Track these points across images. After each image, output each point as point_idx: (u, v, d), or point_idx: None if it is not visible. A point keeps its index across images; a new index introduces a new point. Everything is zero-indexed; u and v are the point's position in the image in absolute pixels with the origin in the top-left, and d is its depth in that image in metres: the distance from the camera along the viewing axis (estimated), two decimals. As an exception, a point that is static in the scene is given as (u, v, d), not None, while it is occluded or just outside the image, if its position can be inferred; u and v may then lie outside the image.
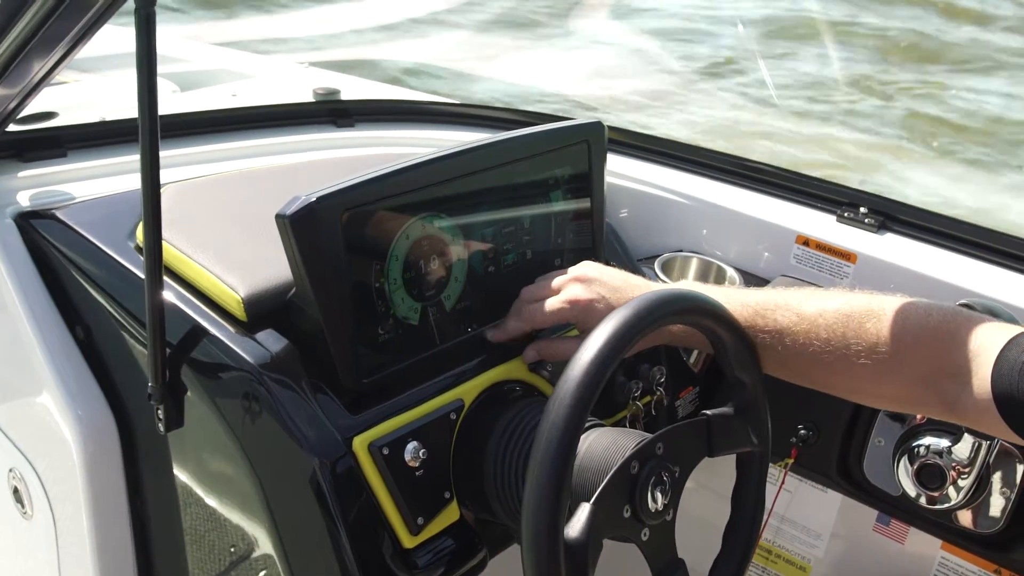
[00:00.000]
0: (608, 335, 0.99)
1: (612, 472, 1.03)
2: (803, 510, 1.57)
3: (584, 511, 1.00)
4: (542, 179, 1.32)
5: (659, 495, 1.06)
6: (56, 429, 1.29)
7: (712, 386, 1.52)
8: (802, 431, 1.47)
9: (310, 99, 1.83)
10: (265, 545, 1.16)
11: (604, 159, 1.39)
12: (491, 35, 7.08)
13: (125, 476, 1.32)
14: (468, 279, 1.25)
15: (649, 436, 1.08)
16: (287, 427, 1.08)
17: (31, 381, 1.31)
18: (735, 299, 1.17)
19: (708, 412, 1.15)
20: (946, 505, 1.37)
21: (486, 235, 1.26)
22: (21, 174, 1.42)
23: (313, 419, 1.09)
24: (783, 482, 1.53)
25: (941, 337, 1.06)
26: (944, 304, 1.11)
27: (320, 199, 1.07)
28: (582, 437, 1.13)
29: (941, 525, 1.41)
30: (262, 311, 1.15)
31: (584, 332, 1.07)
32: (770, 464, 1.53)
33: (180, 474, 1.27)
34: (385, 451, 1.10)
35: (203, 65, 2.29)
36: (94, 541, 1.31)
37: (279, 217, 1.07)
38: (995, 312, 1.22)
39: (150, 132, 1.03)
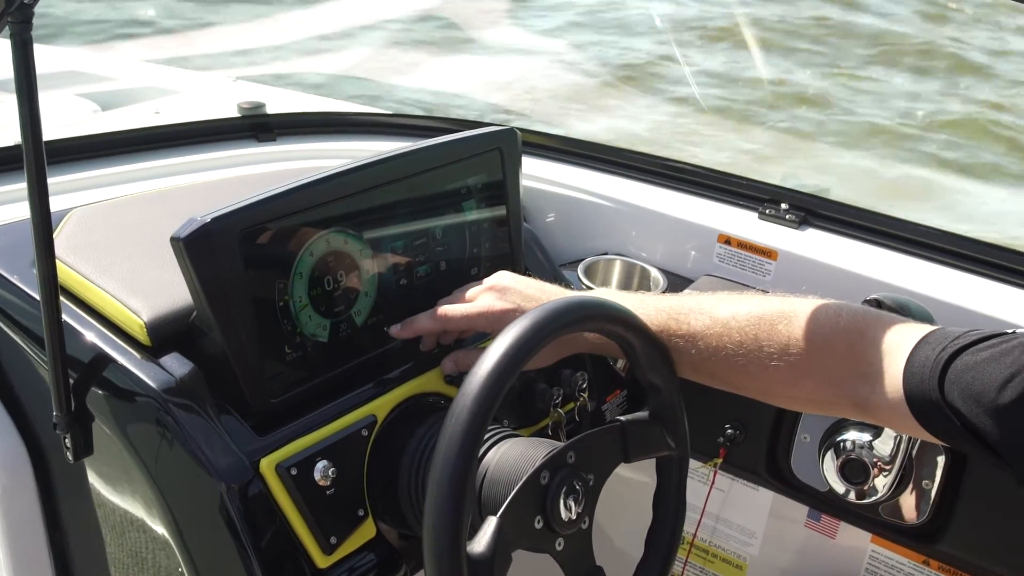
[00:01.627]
0: (506, 347, 0.98)
1: (520, 483, 1.02)
2: (737, 509, 1.57)
3: (490, 525, 0.99)
4: (454, 189, 1.31)
5: (572, 504, 1.06)
6: (-31, 461, 1.27)
7: (641, 389, 1.51)
8: (729, 430, 1.47)
9: (235, 114, 1.81)
10: (182, 572, 1.14)
11: (519, 166, 1.38)
12: (413, 47, 7.08)
13: (42, 506, 1.29)
14: (379, 293, 1.24)
15: (560, 445, 1.08)
16: (193, 453, 1.07)
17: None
18: (649, 304, 1.17)
19: (622, 418, 1.15)
20: (872, 499, 1.38)
21: (396, 248, 1.25)
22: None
23: (219, 443, 1.08)
24: (713, 482, 1.53)
25: (851, 338, 1.06)
26: (855, 305, 1.12)
27: (215, 220, 1.05)
28: (494, 449, 1.13)
29: (869, 519, 1.42)
30: (167, 335, 1.13)
31: None
32: (700, 464, 1.54)
33: (98, 503, 1.25)
34: (293, 471, 1.09)
35: (127, 83, 2.27)
36: (12, 569, 1.29)
37: (174, 240, 1.05)
38: (906, 307, 1.23)
39: (35, 161, 1.01)
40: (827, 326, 1.08)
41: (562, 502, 1.05)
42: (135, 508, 1.19)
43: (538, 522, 1.04)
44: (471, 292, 1.23)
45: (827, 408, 1.21)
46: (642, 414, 1.17)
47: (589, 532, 1.11)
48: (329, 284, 1.17)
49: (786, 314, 1.10)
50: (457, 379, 1.26)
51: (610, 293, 1.25)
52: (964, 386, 0.95)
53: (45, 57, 2.07)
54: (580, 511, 1.07)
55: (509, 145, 1.36)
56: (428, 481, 0.95)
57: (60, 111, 1.94)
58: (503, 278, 1.24)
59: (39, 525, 1.30)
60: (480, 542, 0.98)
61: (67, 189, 1.47)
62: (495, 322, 1.19)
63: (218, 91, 2.17)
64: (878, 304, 1.20)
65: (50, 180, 1.47)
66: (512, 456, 1.09)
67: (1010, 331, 0.98)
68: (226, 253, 1.06)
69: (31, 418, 1.27)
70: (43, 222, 1.04)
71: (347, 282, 1.19)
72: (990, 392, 0.94)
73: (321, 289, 1.17)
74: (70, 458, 1.15)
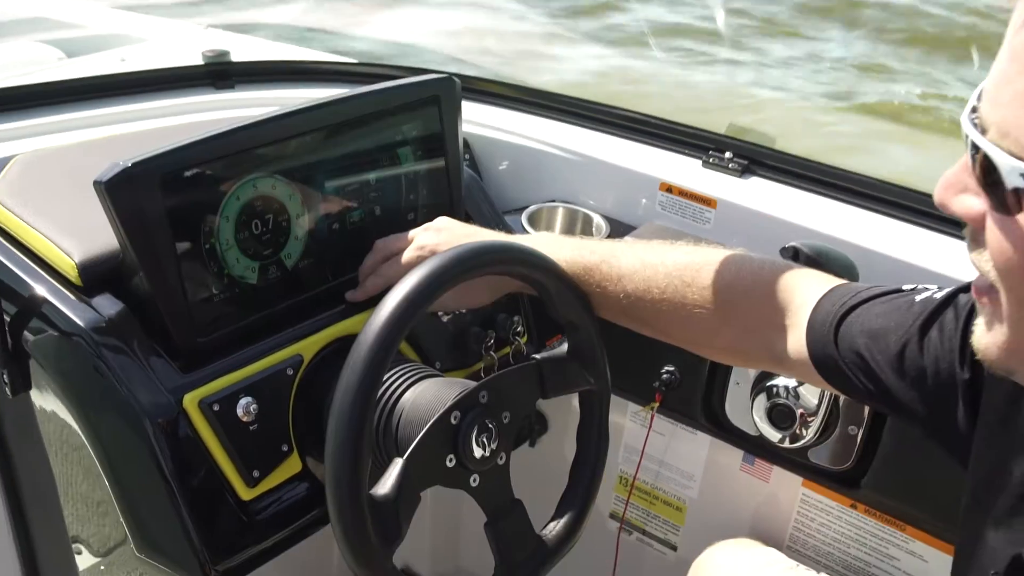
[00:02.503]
0: (404, 292, 1.01)
1: (430, 424, 1.06)
2: (677, 453, 1.60)
3: (396, 467, 1.03)
4: (389, 136, 1.33)
5: (485, 441, 1.09)
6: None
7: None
8: (664, 375, 1.50)
9: (200, 62, 1.83)
10: (114, 503, 1.19)
11: (457, 114, 1.40)
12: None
13: (-10, 442, 1.35)
14: (311, 237, 1.26)
15: (472, 385, 1.11)
16: (120, 391, 1.11)
17: None
18: (584, 248, 1.19)
19: (537, 356, 1.18)
20: (801, 443, 1.41)
21: (328, 194, 1.28)
22: None
23: (145, 381, 1.12)
24: (651, 426, 1.56)
25: (770, 290, 1.09)
26: (781, 260, 1.14)
27: (136, 164, 1.08)
28: (411, 389, 1.16)
29: (800, 463, 1.45)
30: (98, 275, 1.17)
31: None
32: (639, 408, 1.57)
33: (46, 434, 1.30)
34: (216, 407, 1.13)
35: (95, 30, 2.29)
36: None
37: (96, 183, 1.08)
38: (826, 254, 1.24)
39: None
40: (749, 277, 1.10)
41: (474, 440, 1.08)
42: (72, 442, 1.24)
43: (450, 460, 1.08)
44: (411, 234, 1.27)
45: (747, 360, 1.24)
46: (560, 351, 1.20)
47: (506, 468, 1.15)
48: (257, 227, 1.20)
49: (711, 263, 1.12)
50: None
51: (551, 237, 1.27)
52: (852, 340, 0.97)
53: (11, 1, 2.10)
54: (495, 448, 1.11)
55: (448, 93, 1.38)
56: (327, 427, 0.99)
57: (24, 57, 1.97)
58: (441, 220, 1.28)
59: None
60: (385, 484, 1.02)
61: (20, 135, 1.51)
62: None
63: (187, 39, 2.19)
64: (795, 252, 1.22)
65: (4, 126, 1.54)
66: (426, 397, 1.13)
67: (909, 287, 1.00)
68: (148, 196, 1.09)
69: None
70: None
71: (276, 226, 1.22)
72: (875, 347, 0.96)
73: (248, 232, 1.20)
74: (8, 393, 1.19)
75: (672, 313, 1.14)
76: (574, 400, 1.25)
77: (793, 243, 1.24)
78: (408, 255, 1.25)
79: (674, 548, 1.67)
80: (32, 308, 1.17)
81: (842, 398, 1.37)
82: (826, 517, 1.48)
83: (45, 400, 1.22)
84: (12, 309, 1.19)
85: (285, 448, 1.19)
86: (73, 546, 1.32)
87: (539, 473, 1.42)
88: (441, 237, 1.24)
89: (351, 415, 0.98)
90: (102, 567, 1.31)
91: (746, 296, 1.10)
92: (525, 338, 1.45)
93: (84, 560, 1.33)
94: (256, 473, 1.16)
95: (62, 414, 1.22)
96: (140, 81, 1.68)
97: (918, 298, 0.97)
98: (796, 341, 1.05)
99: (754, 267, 1.11)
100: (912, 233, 1.42)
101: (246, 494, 1.16)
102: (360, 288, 1.29)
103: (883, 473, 1.37)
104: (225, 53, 1.85)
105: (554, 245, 1.20)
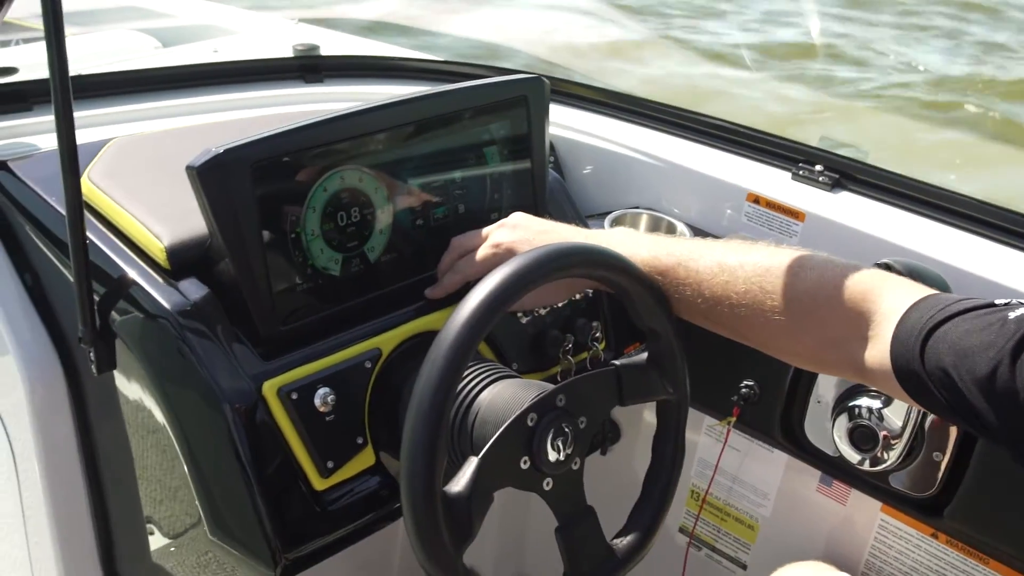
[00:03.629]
0: (484, 294, 1.00)
1: (505, 425, 1.05)
2: (752, 470, 1.57)
3: (470, 466, 1.02)
4: (476, 134, 1.33)
5: (560, 445, 1.08)
6: (11, 373, 1.35)
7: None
8: (744, 389, 1.47)
9: (290, 55, 1.86)
10: (189, 486, 1.21)
11: (545, 116, 1.39)
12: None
13: (74, 416, 1.37)
14: (394, 232, 1.27)
15: (551, 387, 1.10)
16: (201, 374, 1.12)
17: (-12, 325, 1.38)
18: (661, 248, 1.17)
19: (617, 362, 1.17)
20: (882, 467, 1.36)
21: (413, 189, 1.28)
22: (-14, 127, 1.48)
23: (227, 367, 1.13)
24: (727, 440, 1.53)
25: (855, 298, 1.05)
26: (866, 265, 1.10)
27: (228, 151, 1.10)
28: (488, 389, 1.15)
29: (879, 488, 1.40)
30: (185, 259, 1.18)
31: None
32: (716, 421, 1.54)
33: (127, 415, 1.32)
34: (294, 396, 1.14)
35: (191, 21, 2.34)
36: (47, 476, 1.38)
37: (189, 169, 1.10)
38: (918, 273, 1.20)
39: (61, 90, 1.06)
40: (833, 284, 1.07)
41: (549, 444, 1.07)
42: (152, 424, 1.26)
43: (524, 462, 1.07)
44: (485, 231, 1.26)
45: (829, 368, 1.20)
46: (639, 358, 1.18)
47: (580, 473, 1.13)
48: (342, 220, 1.21)
49: (794, 268, 1.09)
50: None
51: (628, 235, 1.25)
52: (938, 357, 0.93)
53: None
54: (569, 452, 1.09)
55: (536, 94, 1.37)
56: (404, 425, 0.98)
57: (122, 45, 2.02)
58: (516, 216, 1.27)
59: (71, 432, 1.38)
60: (459, 482, 1.01)
61: (116, 120, 1.54)
62: (505, 257, 1.21)
63: (278, 32, 2.22)
64: (887, 268, 1.19)
65: (102, 111, 1.58)
66: (503, 397, 1.12)
67: (1003, 301, 0.96)
68: (238, 184, 1.11)
69: (67, 333, 1.35)
70: (69, 151, 1.09)
71: (361, 219, 1.23)
72: (963, 365, 0.92)
73: (334, 224, 1.20)
74: (94, 371, 1.22)
75: (750, 318, 1.11)
76: (647, 410, 1.23)
77: (885, 260, 1.21)
78: (483, 252, 1.24)
79: (744, 567, 1.64)
80: (121, 289, 1.19)
81: (928, 421, 1.33)
82: (905, 545, 1.43)
83: (128, 380, 1.24)
84: (101, 288, 1.21)
85: (360, 441, 1.19)
86: (147, 526, 1.34)
87: (609, 481, 1.40)
88: (517, 235, 1.23)
89: (430, 411, 0.97)
90: (173, 548, 1.32)
91: (828, 303, 1.07)
92: (603, 344, 1.43)
93: (156, 540, 1.34)
94: (330, 464, 1.16)
95: (144, 395, 1.24)
96: (232, 72, 1.71)
97: (1012, 315, 0.91)
98: (879, 352, 1.01)
99: (837, 272, 1.07)
100: (1008, 255, 1.37)
101: (319, 484, 1.16)
102: (438, 285, 1.28)
103: (968, 503, 1.32)
104: (315, 47, 1.88)
105: (631, 244, 1.18)
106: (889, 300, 1.03)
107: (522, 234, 1.23)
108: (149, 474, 1.31)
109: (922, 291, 1.03)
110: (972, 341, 0.91)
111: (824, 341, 1.08)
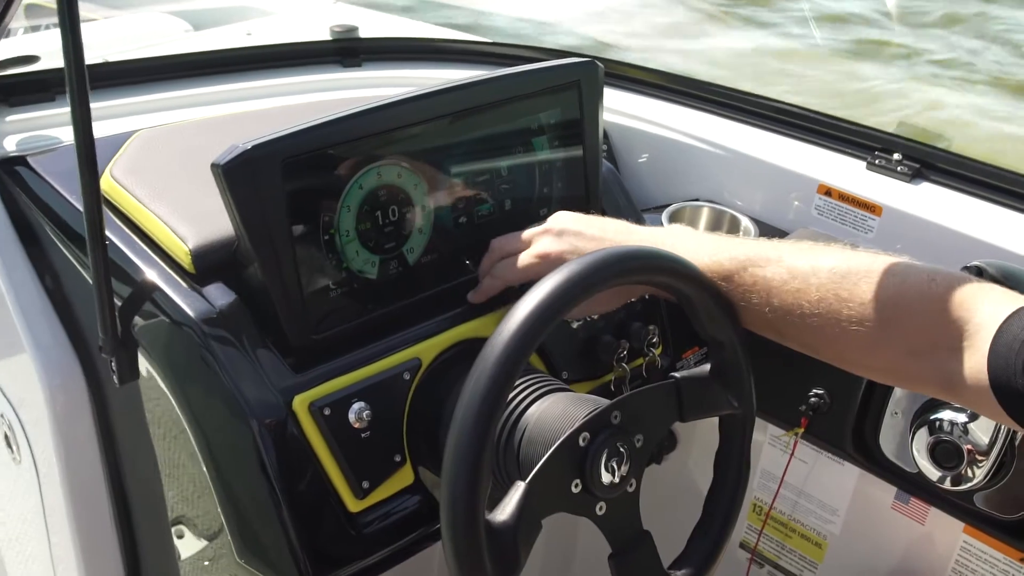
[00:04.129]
0: (534, 305, 0.90)
1: (555, 447, 0.95)
2: (819, 484, 1.46)
3: (517, 492, 0.93)
4: (524, 123, 1.23)
5: (615, 467, 0.98)
6: (31, 377, 1.28)
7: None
8: (813, 399, 1.36)
9: (327, 37, 1.77)
10: (216, 504, 1.13)
11: (599, 102, 1.29)
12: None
13: (97, 424, 1.31)
14: (435, 231, 1.17)
15: (605, 404, 1.00)
16: (227, 386, 1.04)
17: (9, 330, 1.31)
18: (724, 251, 1.07)
19: (677, 374, 1.07)
20: (967, 486, 1.25)
21: (456, 184, 1.18)
22: (8, 118, 1.40)
23: (254, 378, 1.04)
24: (793, 452, 1.42)
25: (942, 306, 0.93)
26: (952, 270, 0.98)
27: (256, 147, 1.01)
28: (537, 404, 1.06)
29: (962, 508, 1.29)
30: (211, 263, 1.10)
31: None
32: (782, 432, 1.43)
33: (151, 425, 1.25)
34: (327, 411, 1.05)
35: (223, 2, 2.26)
36: (69, 486, 1.32)
37: (214, 166, 1.01)
38: (1016, 277, 1.08)
39: (77, 84, 0.98)
40: (917, 291, 0.95)
41: (603, 465, 0.98)
42: (176, 436, 1.18)
43: (576, 486, 0.97)
44: (527, 233, 1.16)
45: (910, 383, 1.08)
46: (701, 370, 1.08)
47: (636, 495, 1.03)
48: (380, 219, 1.12)
49: (873, 273, 0.98)
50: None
51: (688, 235, 1.14)
52: None
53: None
54: (624, 474, 0.99)
55: (589, 78, 1.27)
56: (445, 448, 0.89)
57: (152, 28, 1.94)
58: (562, 218, 1.15)
59: (93, 440, 1.31)
60: (504, 510, 0.92)
61: (143, 110, 1.46)
62: (552, 267, 1.11)
63: (314, 13, 2.13)
64: (979, 272, 1.07)
65: (129, 100, 1.50)
66: (553, 414, 1.03)
67: None
68: (268, 182, 1.02)
69: (88, 339, 1.28)
70: (87, 150, 1.00)
71: (399, 218, 1.13)
72: None
73: (371, 223, 1.11)
74: (116, 381, 1.14)
75: (824, 329, 1.00)
76: (707, 414, 1.12)
77: (976, 262, 1.09)
78: (525, 259, 1.14)
79: (809, 585, 1.53)
80: (143, 295, 1.11)
81: (1019, 438, 1.21)
82: (990, 570, 1.32)
83: (151, 389, 1.17)
84: (124, 290, 1.13)
85: (398, 459, 1.10)
86: (174, 543, 1.27)
87: (665, 494, 1.31)
88: (563, 244, 1.12)
89: (473, 433, 0.88)
90: (200, 567, 1.25)
91: (911, 313, 0.95)
92: (660, 349, 1.33)
93: (184, 558, 1.27)
94: (366, 484, 1.07)
95: (168, 406, 1.16)
96: (266, 56, 1.62)
97: None
98: (974, 367, 0.90)
99: (923, 279, 0.96)
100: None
101: (354, 506, 1.07)
102: (478, 289, 1.19)
103: (1065, 527, 1.21)
104: (354, 29, 1.78)
105: (692, 245, 1.07)
106: (984, 309, 0.91)
107: (571, 242, 1.12)
108: (175, 491, 1.24)
109: (1020, 299, 0.92)
110: None
111: (906, 354, 0.97)
